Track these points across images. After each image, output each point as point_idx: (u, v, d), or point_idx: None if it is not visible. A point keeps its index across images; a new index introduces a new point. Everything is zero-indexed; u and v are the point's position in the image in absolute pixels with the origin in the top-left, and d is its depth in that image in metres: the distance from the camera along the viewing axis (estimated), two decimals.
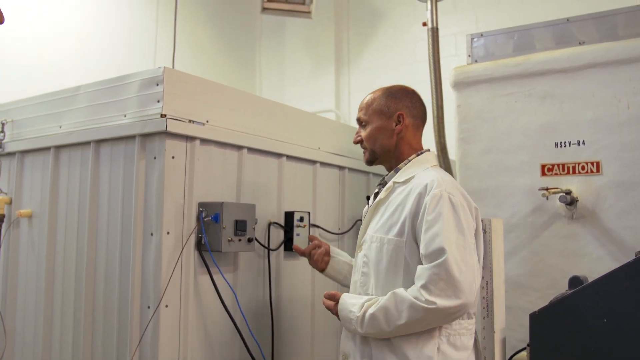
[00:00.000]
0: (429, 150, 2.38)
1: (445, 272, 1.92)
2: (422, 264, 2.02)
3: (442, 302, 1.91)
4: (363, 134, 2.38)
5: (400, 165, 2.31)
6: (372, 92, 2.42)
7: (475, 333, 2.20)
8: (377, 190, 2.43)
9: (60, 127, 2.97)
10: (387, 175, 2.39)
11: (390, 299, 2.02)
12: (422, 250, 2.01)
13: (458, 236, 1.99)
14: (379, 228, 2.19)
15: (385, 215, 2.19)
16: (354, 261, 2.38)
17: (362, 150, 2.43)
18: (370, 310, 2.05)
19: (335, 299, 2.24)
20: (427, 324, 1.99)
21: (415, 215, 2.08)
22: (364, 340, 2.14)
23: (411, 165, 2.28)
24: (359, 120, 2.42)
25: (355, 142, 2.44)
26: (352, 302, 2.14)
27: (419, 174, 2.20)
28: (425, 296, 1.92)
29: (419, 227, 2.05)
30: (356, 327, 2.09)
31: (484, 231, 2.45)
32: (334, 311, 2.24)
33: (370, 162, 2.40)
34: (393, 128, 2.30)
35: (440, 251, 1.94)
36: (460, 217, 2.03)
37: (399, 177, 2.26)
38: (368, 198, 2.50)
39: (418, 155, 2.31)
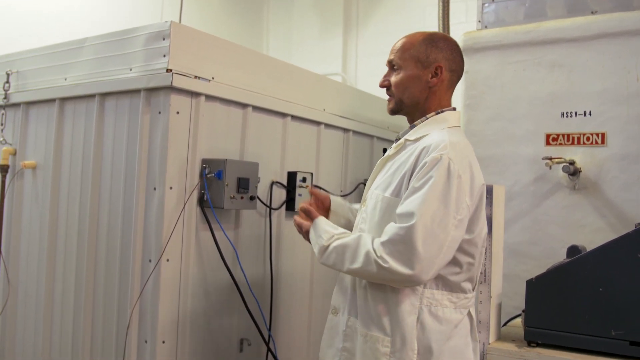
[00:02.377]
0: (454, 109, 2.16)
1: (408, 238, 1.80)
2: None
3: (394, 264, 1.82)
4: (393, 79, 2.14)
5: (416, 122, 2.12)
6: (409, 34, 2.17)
7: (472, 317, 2.09)
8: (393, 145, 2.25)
9: (66, 80, 2.96)
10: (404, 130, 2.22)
11: (354, 240, 1.95)
12: (398, 208, 1.90)
13: (439, 206, 1.84)
14: (379, 185, 2.07)
15: (388, 173, 2.06)
16: (357, 216, 2.25)
17: (388, 96, 2.19)
18: (335, 244, 1.99)
19: (311, 217, 2.15)
20: (378, 279, 1.92)
21: (411, 174, 1.94)
22: (352, 297, 2.09)
23: (427, 124, 2.09)
24: (390, 63, 2.17)
25: (382, 86, 2.19)
26: (325, 229, 2.07)
27: (434, 133, 2.02)
28: (381, 252, 1.84)
29: (408, 185, 1.94)
30: (317, 253, 2.04)
31: (486, 197, 2.45)
32: (304, 229, 2.15)
33: (394, 111, 2.18)
34: (428, 80, 2.08)
35: (410, 215, 1.82)
36: (452, 187, 1.86)
37: (412, 134, 2.09)
38: (384, 151, 2.31)
39: (438, 113, 2.10)
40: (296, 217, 2.21)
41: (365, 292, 2.04)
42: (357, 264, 1.91)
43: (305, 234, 2.16)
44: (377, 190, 2.07)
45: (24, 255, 3.13)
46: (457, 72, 2.15)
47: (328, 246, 2.01)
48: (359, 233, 2.01)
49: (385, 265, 1.83)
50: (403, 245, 1.82)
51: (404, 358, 1.91)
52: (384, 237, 1.87)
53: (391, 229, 1.87)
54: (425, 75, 2.08)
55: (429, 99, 2.11)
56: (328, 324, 2.19)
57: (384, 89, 2.19)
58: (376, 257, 1.85)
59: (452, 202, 1.85)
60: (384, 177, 2.09)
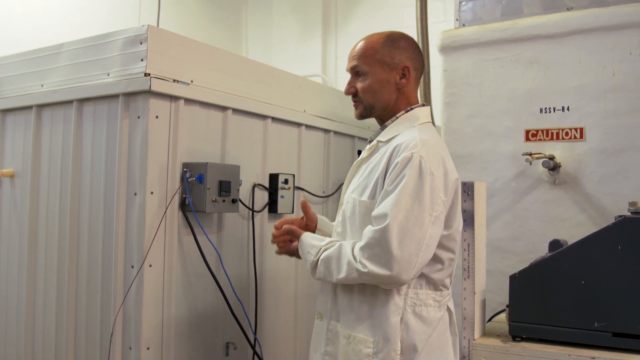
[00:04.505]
0: (423, 105, 2.16)
1: (384, 239, 1.80)
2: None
3: (373, 268, 1.81)
4: (360, 85, 2.11)
5: (387, 122, 2.12)
6: (367, 37, 2.15)
7: (451, 311, 2.09)
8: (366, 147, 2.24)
9: (42, 86, 2.93)
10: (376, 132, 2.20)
11: (335, 250, 1.95)
12: (373, 211, 1.90)
13: (413, 205, 1.82)
14: (355, 189, 2.06)
15: (363, 176, 2.06)
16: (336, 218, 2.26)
17: (354, 102, 2.18)
18: (321, 257, 1.98)
19: (295, 235, 2.13)
20: (363, 282, 1.92)
21: (384, 176, 1.93)
22: (335, 302, 2.08)
23: (398, 123, 2.09)
24: (354, 69, 2.14)
25: (348, 94, 2.17)
26: (311, 244, 2.05)
27: (403, 132, 2.02)
28: (360, 258, 1.84)
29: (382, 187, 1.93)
30: (310, 271, 2.03)
31: (467, 194, 2.47)
32: (294, 250, 2.14)
33: (363, 116, 2.17)
34: (397, 81, 2.08)
35: (384, 216, 1.82)
36: (425, 184, 1.84)
37: (383, 135, 2.09)
38: (359, 153, 2.31)
39: (407, 111, 2.10)
40: (282, 245, 2.22)
41: (349, 294, 2.02)
42: (342, 274, 1.91)
43: (296, 254, 2.14)
44: (353, 195, 2.06)
45: (3, 263, 3.09)
46: (420, 69, 2.16)
47: (317, 261, 2.00)
48: (339, 242, 2.00)
49: (365, 270, 1.83)
50: (379, 247, 1.81)
51: (387, 358, 1.90)
52: (362, 242, 1.87)
53: (367, 232, 1.87)
54: (393, 77, 2.08)
55: (398, 99, 2.11)
56: (315, 329, 2.18)
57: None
58: (356, 264, 1.85)
59: (427, 199, 1.85)
60: (359, 180, 2.08)
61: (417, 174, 1.85)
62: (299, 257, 2.14)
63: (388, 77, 2.08)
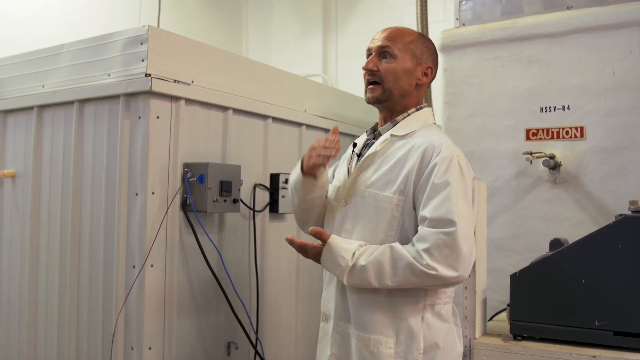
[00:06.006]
0: (428, 106, 2.18)
1: (453, 242, 1.83)
2: (419, 225, 1.91)
3: (442, 269, 1.82)
4: (385, 65, 2.06)
5: (398, 117, 2.09)
6: (397, 27, 2.13)
7: (454, 307, 2.12)
8: (367, 139, 2.19)
9: (44, 87, 2.93)
10: (376, 124, 2.17)
11: (385, 254, 1.89)
12: (426, 213, 1.88)
13: (465, 205, 1.90)
14: (373, 183, 2.01)
15: (382, 170, 2.00)
16: (330, 216, 2.15)
17: (370, 85, 2.09)
18: (362, 262, 1.90)
19: (322, 239, 1.99)
20: (419, 286, 1.91)
21: (418, 173, 1.92)
22: (342, 303, 2.05)
23: (411, 120, 2.08)
24: (383, 49, 2.06)
25: (368, 69, 2.08)
26: (345, 248, 1.94)
27: (421, 131, 2.04)
28: (427, 260, 1.82)
29: (422, 186, 1.92)
30: (342, 275, 1.94)
31: None
32: (313, 252, 2.01)
33: (379, 100, 2.08)
34: (419, 77, 2.09)
35: (451, 221, 1.84)
36: (467, 184, 1.94)
37: (398, 130, 2.06)
38: (354, 145, 2.21)
39: (418, 110, 2.11)
40: (295, 240, 2.05)
41: (359, 297, 2.00)
42: (398, 277, 1.88)
43: (314, 256, 2.03)
44: (371, 189, 2.01)
45: (5, 263, 3.09)
46: (435, 76, 2.20)
47: (354, 266, 1.92)
48: (385, 245, 1.93)
49: (433, 272, 1.83)
50: (448, 249, 1.84)
51: (410, 358, 1.93)
52: (424, 244, 1.85)
53: (431, 235, 1.85)
54: (417, 71, 2.09)
55: (412, 95, 2.11)
56: (320, 331, 2.16)
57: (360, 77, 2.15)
58: (421, 266, 1.84)
59: (470, 196, 1.96)
60: (375, 174, 2.02)
61: (459, 173, 1.93)
62: (317, 260, 2.03)
63: (413, 69, 2.08)
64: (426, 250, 1.84)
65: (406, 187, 1.95)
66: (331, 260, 1.96)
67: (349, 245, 1.96)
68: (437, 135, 2.01)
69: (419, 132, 2.04)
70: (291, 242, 2.04)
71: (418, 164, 1.94)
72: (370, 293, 1.98)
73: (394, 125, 2.10)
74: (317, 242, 2.04)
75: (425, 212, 1.89)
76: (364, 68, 2.10)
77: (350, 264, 1.92)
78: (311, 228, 2.02)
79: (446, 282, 1.88)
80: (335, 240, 1.98)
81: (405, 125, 2.07)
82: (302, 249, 2.06)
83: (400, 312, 1.95)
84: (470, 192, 1.96)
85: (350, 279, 1.94)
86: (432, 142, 1.96)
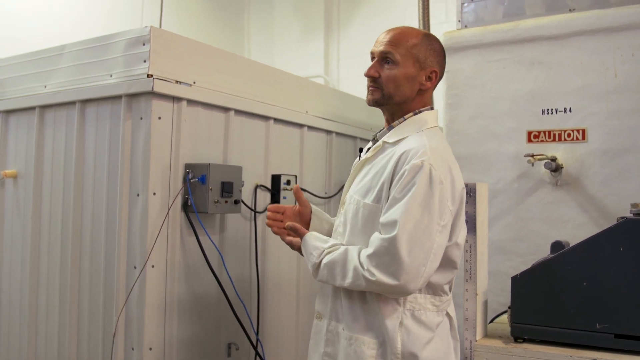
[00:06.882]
0: (431, 108, 2.11)
1: (393, 248, 1.78)
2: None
3: (381, 276, 1.79)
4: (386, 72, 2.02)
5: (394, 123, 2.07)
6: (403, 27, 2.09)
7: (451, 316, 2.08)
8: (369, 145, 2.20)
9: (45, 87, 2.94)
10: (380, 131, 2.15)
11: (341, 255, 1.92)
12: (381, 218, 1.87)
13: (422, 214, 1.81)
14: (358, 190, 2.03)
15: (367, 177, 2.02)
16: (336, 219, 2.22)
17: (370, 87, 2.07)
18: (325, 260, 1.95)
19: (299, 234, 2.08)
20: (367, 290, 1.91)
21: (391, 180, 1.90)
22: (335, 303, 2.06)
23: (406, 125, 2.04)
24: (384, 54, 2.03)
25: (370, 76, 2.05)
26: (314, 245, 2.01)
27: (413, 136, 1.99)
28: (367, 265, 1.82)
29: (389, 193, 1.89)
30: (311, 272, 2.00)
31: (469, 196, 2.46)
32: (296, 247, 2.11)
33: (377, 103, 2.07)
34: (422, 82, 2.03)
35: (393, 224, 1.80)
36: (435, 194, 1.83)
37: (390, 136, 2.04)
38: (361, 151, 2.25)
39: (416, 113, 2.06)
40: (286, 237, 2.16)
41: (351, 296, 2.01)
42: (348, 280, 1.88)
43: (298, 250, 2.11)
44: (356, 196, 2.03)
45: (6, 263, 3.09)
46: (441, 77, 2.14)
47: (320, 263, 1.97)
48: (344, 246, 1.98)
49: (373, 278, 1.81)
50: (388, 256, 1.79)
51: None
52: (370, 250, 1.85)
53: (375, 240, 1.84)
54: (420, 76, 2.03)
55: (415, 99, 2.06)
56: (313, 329, 2.17)
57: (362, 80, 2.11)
58: (363, 271, 1.83)
59: (435, 208, 1.83)
60: (362, 181, 2.04)
61: (427, 182, 1.83)
62: (301, 252, 2.11)
63: (416, 74, 2.02)
64: (369, 256, 1.84)
65: (382, 194, 1.93)
66: (306, 256, 2.04)
67: (322, 244, 2.01)
68: (421, 142, 1.94)
69: (409, 138, 2.00)
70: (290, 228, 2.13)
71: (392, 171, 1.91)
72: (359, 293, 1.98)
73: (389, 131, 2.08)
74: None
75: (381, 217, 1.88)
76: (366, 75, 2.08)
77: (316, 260, 1.98)
78: (287, 223, 2.12)
79: (388, 290, 1.84)
80: (309, 237, 2.05)
81: (399, 131, 2.05)
82: (290, 243, 2.14)
83: (381, 314, 1.94)
84: (436, 202, 1.84)
85: (316, 275, 2.00)
86: (409, 149, 1.91)
